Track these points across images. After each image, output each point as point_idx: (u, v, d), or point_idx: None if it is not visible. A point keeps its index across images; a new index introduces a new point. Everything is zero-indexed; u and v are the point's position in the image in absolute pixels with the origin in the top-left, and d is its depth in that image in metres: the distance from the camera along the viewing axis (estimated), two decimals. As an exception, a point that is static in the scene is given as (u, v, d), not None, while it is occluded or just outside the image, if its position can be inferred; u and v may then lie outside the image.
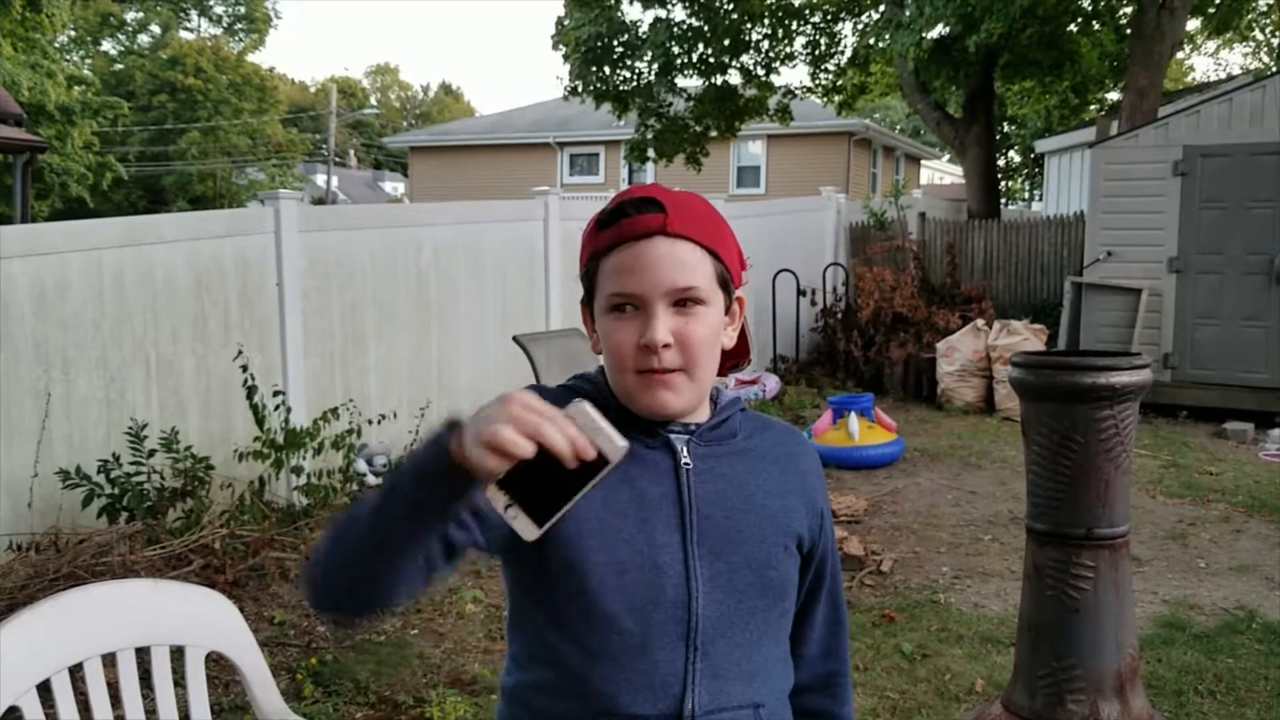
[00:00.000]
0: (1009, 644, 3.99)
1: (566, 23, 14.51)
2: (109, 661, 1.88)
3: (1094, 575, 2.69)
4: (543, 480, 1.00)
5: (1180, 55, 25.13)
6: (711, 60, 14.76)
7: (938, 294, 10.76)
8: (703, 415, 1.28)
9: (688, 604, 1.19)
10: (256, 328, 5.62)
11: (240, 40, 42.29)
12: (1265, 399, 8.37)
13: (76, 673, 1.83)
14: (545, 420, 0.98)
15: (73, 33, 35.97)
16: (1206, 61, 70.52)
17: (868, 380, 9.84)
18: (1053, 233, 11.71)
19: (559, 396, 1.26)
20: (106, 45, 40.46)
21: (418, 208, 12.71)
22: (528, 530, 1.02)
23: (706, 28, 14.30)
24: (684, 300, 1.20)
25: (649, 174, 24.20)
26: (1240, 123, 8.54)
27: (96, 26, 38.87)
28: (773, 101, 15.72)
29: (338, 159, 42.63)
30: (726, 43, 14.55)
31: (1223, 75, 27.35)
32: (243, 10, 42.09)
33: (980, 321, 9.35)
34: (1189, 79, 29.36)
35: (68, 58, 32.96)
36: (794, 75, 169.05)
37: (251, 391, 4.96)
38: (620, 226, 1.21)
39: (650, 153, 15.82)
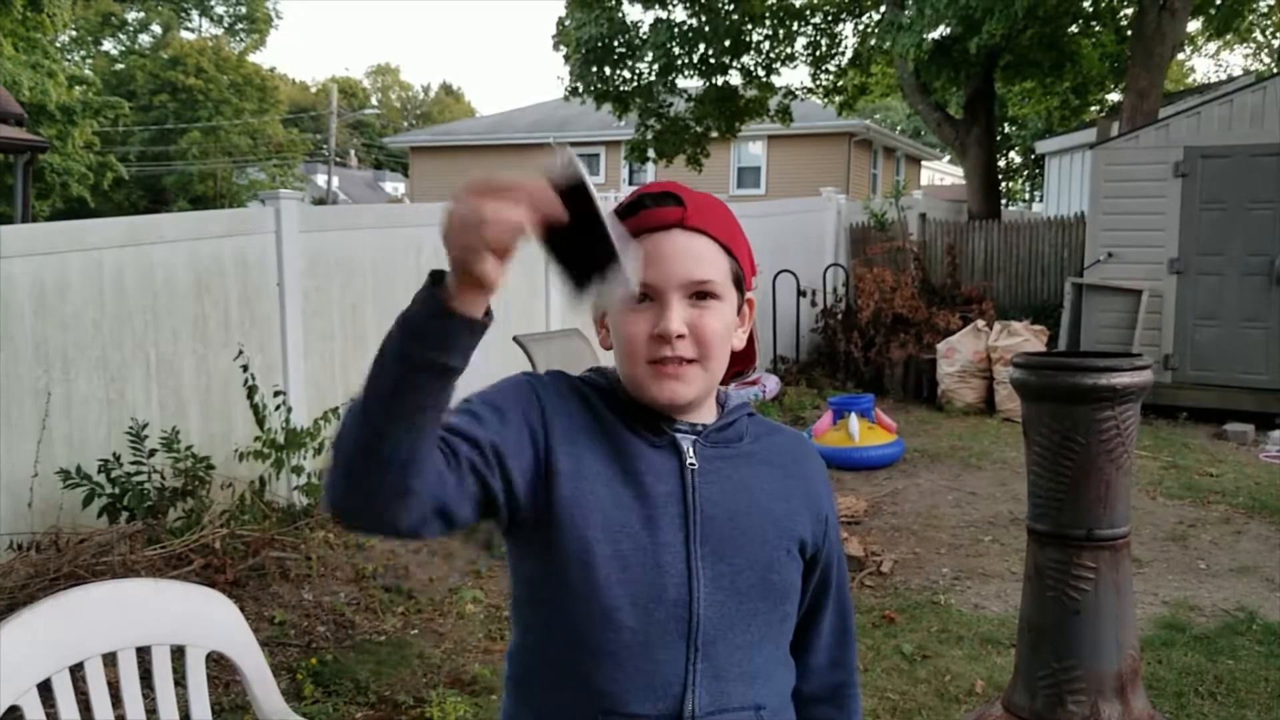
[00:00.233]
0: (1009, 645, 3.99)
1: (567, 23, 14.51)
2: (109, 661, 1.88)
3: (1095, 576, 2.69)
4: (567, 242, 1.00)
5: (1181, 57, 25.13)
6: (712, 61, 14.76)
7: (938, 295, 10.76)
8: (710, 416, 1.28)
9: (689, 604, 1.19)
10: (257, 328, 5.62)
11: (241, 40, 42.31)
12: (1265, 400, 8.37)
13: (77, 672, 1.83)
14: (508, 205, 0.97)
15: (74, 32, 35.98)
16: (1207, 63, 70.53)
17: (868, 381, 9.84)
18: (1053, 234, 11.70)
19: (570, 386, 1.27)
20: (107, 45, 40.50)
21: (418, 208, 12.70)
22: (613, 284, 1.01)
23: (707, 28, 14.30)
24: (699, 293, 1.20)
25: (649, 174, 24.21)
26: (1241, 124, 8.54)
27: (97, 26, 38.89)
28: (773, 102, 15.72)
29: (338, 159, 42.64)
30: (727, 43, 14.55)
31: (1223, 77, 27.38)
32: (244, 10, 42.10)
33: (981, 322, 9.35)
34: (1189, 80, 29.37)
35: (69, 57, 32.98)
36: (794, 76, 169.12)
37: (252, 391, 4.96)
38: (638, 218, 1.22)
39: (650, 153, 15.82)
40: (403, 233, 6.79)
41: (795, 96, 16.19)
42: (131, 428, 4.59)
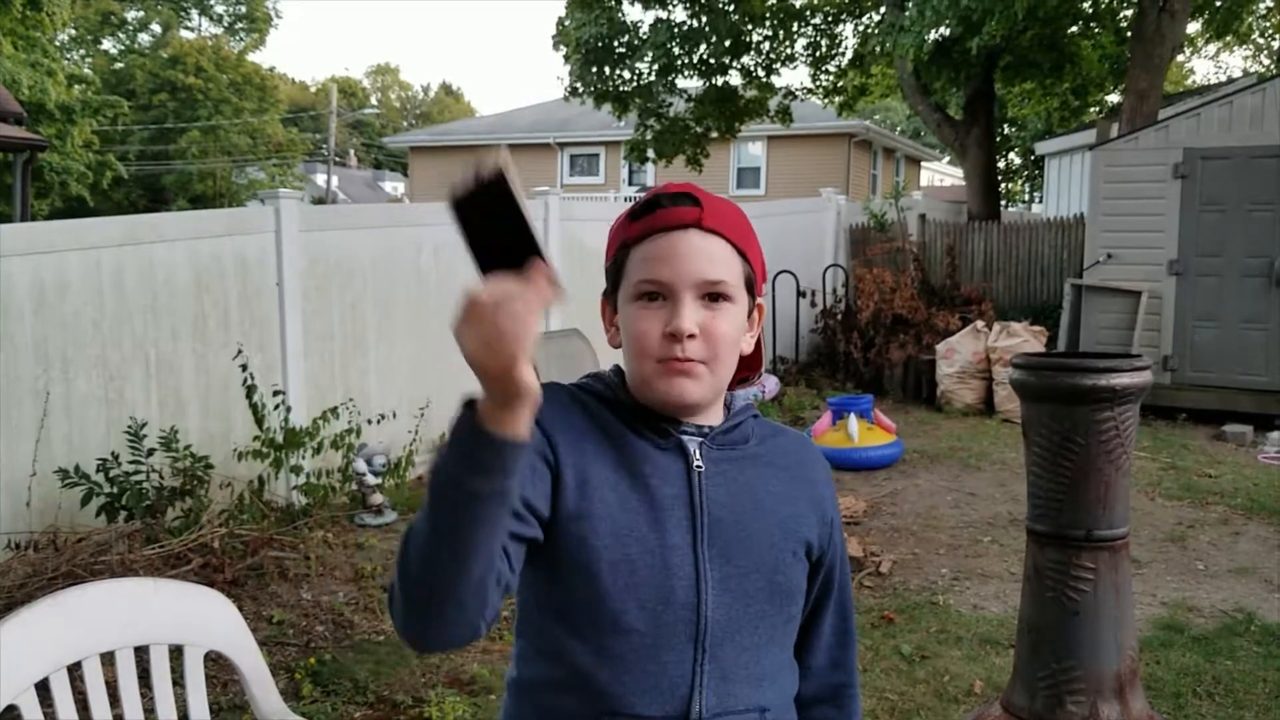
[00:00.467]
0: (1008, 645, 3.99)
1: (567, 23, 14.51)
2: (107, 660, 1.88)
3: (1094, 577, 2.69)
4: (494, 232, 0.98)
5: (1180, 58, 25.14)
6: (712, 61, 14.76)
7: (937, 295, 10.76)
8: (716, 418, 1.28)
9: (697, 606, 1.19)
10: (256, 327, 5.62)
11: (241, 40, 42.30)
12: (1264, 401, 8.37)
13: (75, 672, 1.82)
14: (520, 308, 0.94)
15: (73, 31, 35.96)
16: (1206, 65, 70.57)
17: (867, 381, 9.84)
18: (1053, 235, 11.70)
19: (569, 396, 1.26)
20: (107, 44, 40.49)
21: (418, 207, 12.70)
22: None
23: (707, 28, 14.30)
24: (712, 294, 1.20)
25: (649, 175, 24.22)
26: (1240, 125, 8.55)
27: (97, 25, 38.88)
28: (773, 103, 15.73)
29: (338, 159, 42.64)
30: (727, 44, 14.55)
31: (1223, 78, 27.39)
32: (243, 10, 42.09)
33: (980, 323, 9.35)
34: (1189, 82, 29.38)
35: (68, 56, 32.96)
36: (795, 76, 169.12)
37: (251, 391, 4.96)
38: (655, 216, 1.22)
39: (650, 153, 15.82)
40: (402, 232, 6.79)
41: (795, 97, 16.20)
42: (130, 427, 4.59)
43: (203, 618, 2.01)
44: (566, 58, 14.71)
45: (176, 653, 1.97)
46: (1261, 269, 8.52)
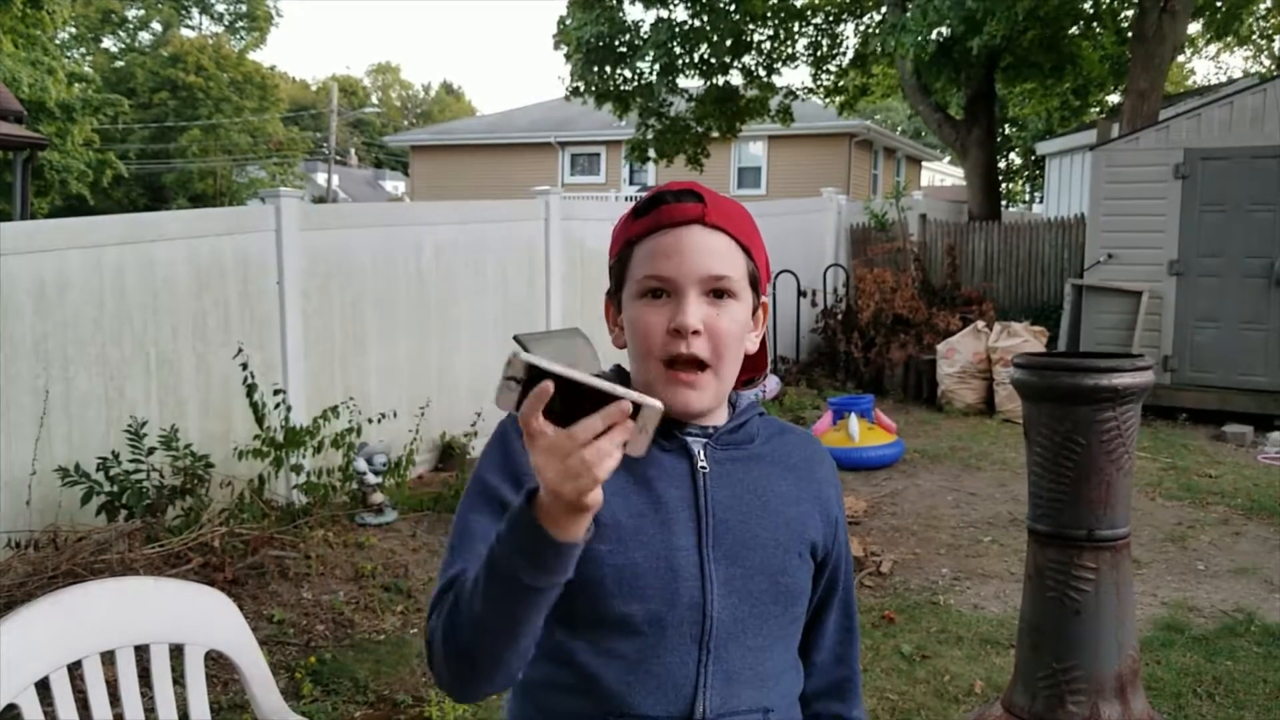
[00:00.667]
0: (1008, 645, 3.99)
1: (568, 22, 14.49)
2: (108, 659, 1.88)
3: (1095, 577, 2.69)
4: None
5: (1181, 59, 25.13)
6: (713, 61, 14.75)
7: (938, 295, 10.76)
8: (720, 418, 1.27)
9: (703, 607, 1.19)
10: (257, 326, 5.61)
11: (241, 38, 42.27)
12: (1265, 402, 8.37)
13: (75, 670, 1.82)
14: (597, 452, 0.94)
15: (73, 30, 35.94)
16: (1207, 65, 70.57)
17: (868, 381, 9.84)
18: (1053, 235, 11.70)
19: None
20: (107, 42, 40.48)
21: (418, 207, 12.71)
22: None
23: (708, 28, 14.29)
24: (716, 290, 1.20)
25: (650, 174, 24.21)
26: (1241, 126, 8.54)
27: (97, 23, 38.87)
28: (774, 102, 15.71)
29: (338, 158, 42.64)
30: (728, 43, 14.54)
31: (1223, 79, 27.38)
32: (244, 8, 42.07)
33: (981, 323, 9.35)
34: (1190, 82, 29.38)
35: (68, 55, 32.93)
36: (796, 76, 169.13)
37: (251, 390, 4.96)
38: (659, 213, 1.21)
39: (651, 153, 15.81)
40: (403, 232, 6.79)
41: (796, 97, 16.18)
42: (131, 426, 4.58)
43: (203, 617, 2.00)
44: (567, 57, 14.70)
45: (177, 652, 1.96)
46: (1262, 269, 8.51)
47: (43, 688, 1.78)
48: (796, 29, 15.15)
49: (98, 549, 4.18)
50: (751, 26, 14.68)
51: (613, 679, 1.18)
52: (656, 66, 14.56)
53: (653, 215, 1.21)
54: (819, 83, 16.32)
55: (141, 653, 1.92)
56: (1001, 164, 24.18)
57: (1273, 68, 23.76)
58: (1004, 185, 26.45)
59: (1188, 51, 21.42)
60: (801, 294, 10.46)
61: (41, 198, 25.32)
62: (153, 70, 36.94)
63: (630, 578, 1.17)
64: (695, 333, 1.17)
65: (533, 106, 29.45)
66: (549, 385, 0.94)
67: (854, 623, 1.41)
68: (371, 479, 5.48)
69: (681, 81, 15.06)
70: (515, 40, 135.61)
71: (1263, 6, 16.03)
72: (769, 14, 14.54)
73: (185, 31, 41.05)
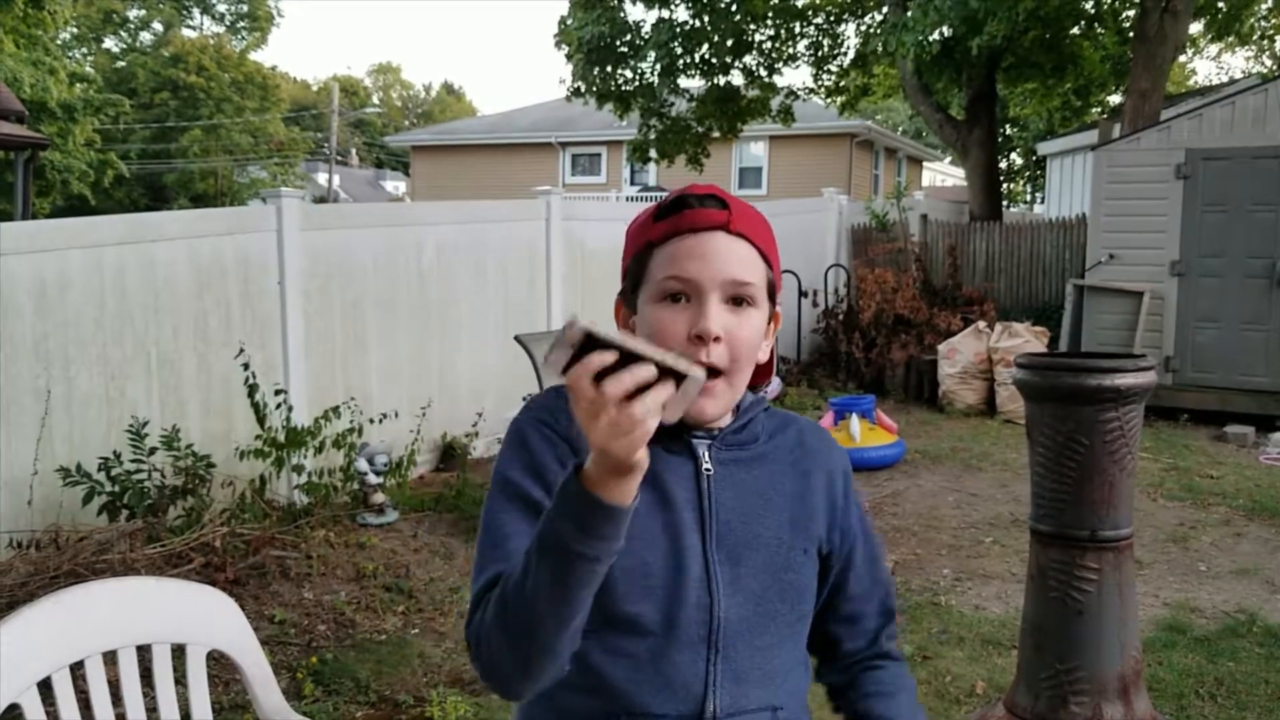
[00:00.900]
0: (1010, 646, 3.99)
1: (569, 22, 14.49)
2: (110, 659, 1.87)
3: (1098, 577, 2.69)
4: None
5: (1182, 59, 25.12)
6: (714, 61, 14.75)
7: (939, 296, 10.76)
8: (725, 419, 1.28)
9: (710, 607, 1.20)
10: (258, 326, 5.61)
11: (243, 38, 42.29)
12: (1266, 402, 8.36)
13: (77, 670, 1.82)
14: (649, 398, 0.94)
15: (75, 30, 35.97)
16: (1208, 65, 70.54)
17: (869, 382, 9.83)
18: (1054, 235, 11.69)
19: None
20: (109, 42, 40.51)
21: (419, 207, 12.71)
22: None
23: (709, 28, 14.29)
24: (737, 298, 1.19)
25: (651, 174, 24.21)
26: (1243, 126, 8.54)
27: (99, 24, 38.89)
28: (775, 102, 15.71)
29: (339, 158, 42.64)
30: (729, 43, 14.54)
31: (1225, 79, 27.36)
32: (245, 8, 42.09)
33: (982, 323, 9.34)
34: (1191, 82, 29.37)
35: (70, 55, 32.97)
36: (797, 76, 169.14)
37: (253, 390, 4.96)
38: (682, 216, 1.20)
39: (652, 153, 15.81)
40: (404, 232, 6.79)
41: (797, 97, 16.18)
42: (132, 426, 4.58)
43: (205, 617, 2.00)
44: (568, 57, 14.70)
45: (179, 652, 1.96)
46: (1263, 270, 8.51)
47: (45, 688, 1.77)
48: (797, 29, 15.14)
49: (99, 549, 4.18)
50: (752, 26, 14.68)
51: (623, 678, 1.19)
52: (657, 67, 14.55)
53: (676, 219, 1.20)
54: (820, 83, 16.32)
55: (143, 653, 1.91)
56: (1003, 164, 24.16)
57: (1274, 68, 23.76)
58: (1005, 185, 26.42)
59: (1189, 52, 21.43)
60: (803, 294, 10.46)
61: (43, 198, 25.33)
62: (154, 70, 36.96)
63: (640, 577, 1.18)
64: (716, 339, 1.17)
65: (534, 107, 29.45)
66: (608, 357, 0.94)
67: (888, 591, 1.42)
68: (373, 479, 5.48)
69: (682, 82, 15.07)
70: (516, 40, 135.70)
71: (1264, 6, 16.02)
72: (770, 14, 14.54)
73: (186, 32, 41.10)
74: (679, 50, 14.36)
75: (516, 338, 6.06)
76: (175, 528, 4.50)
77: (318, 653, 3.90)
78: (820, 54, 15.62)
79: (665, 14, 14.52)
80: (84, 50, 38.17)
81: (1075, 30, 14.14)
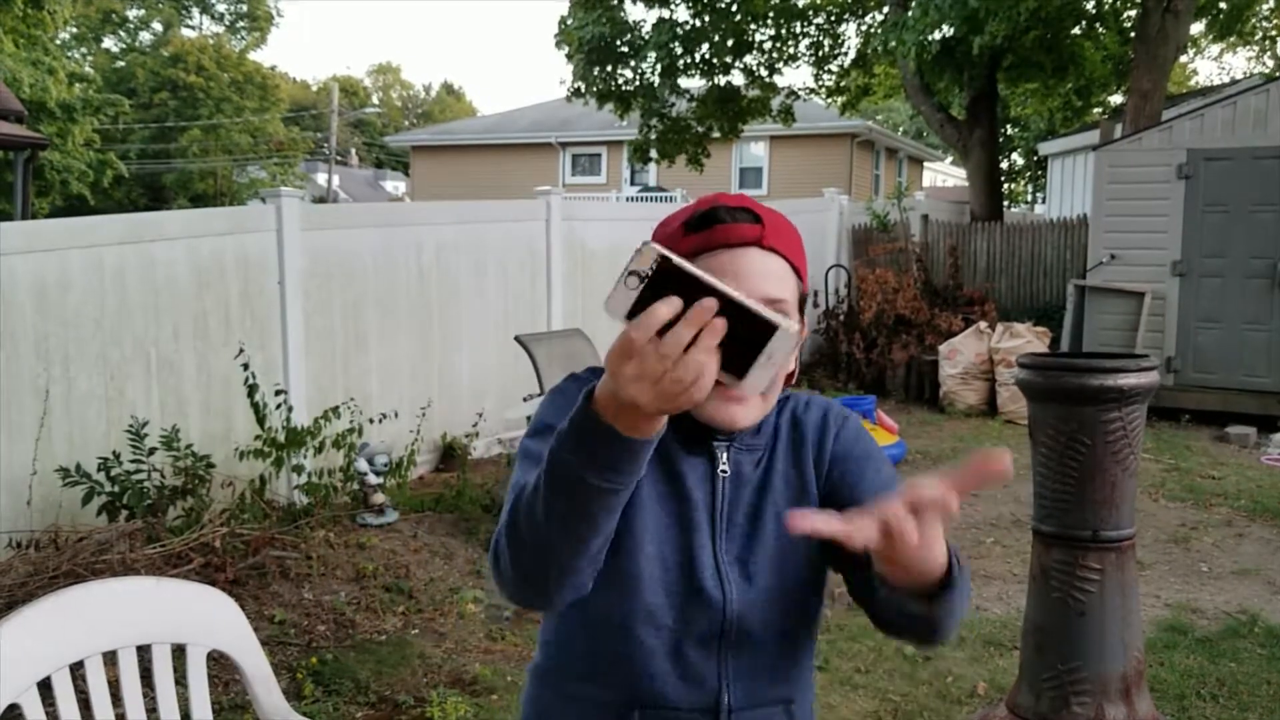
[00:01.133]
0: (1011, 647, 3.98)
1: (569, 22, 14.49)
2: (109, 660, 1.87)
3: (1100, 577, 2.68)
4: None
5: (1184, 59, 25.13)
6: (714, 61, 14.74)
7: (940, 296, 10.75)
8: None
9: (722, 606, 1.21)
10: (258, 326, 5.61)
11: (242, 38, 42.30)
12: (1267, 403, 8.36)
13: (77, 671, 1.81)
14: (701, 354, 0.87)
15: (74, 30, 35.97)
16: (1210, 65, 70.54)
17: (870, 382, 9.82)
18: (1056, 235, 11.69)
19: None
20: (108, 42, 40.51)
21: (419, 207, 12.71)
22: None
23: (710, 28, 14.29)
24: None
25: (651, 174, 24.21)
26: (1244, 126, 8.53)
27: (98, 24, 38.88)
28: (775, 102, 15.70)
29: (339, 158, 42.64)
30: (730, 43, 14.53)
31: (1226, 79, 27.36)
32: (245, 8, 42.09)
33: (983, 324, 9.34)
34: (1192, 82, 29.36)
35: (69, 55, 32.95)
36: (797, 76, 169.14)
37: (252, 390, 4.95)
38: (714, 231, 1.17)
39: (653, 153, 15.81)
40: (404, 232, 6.78)
41: (798, 97, 16.18)
42: (131, 426, 4.57)
43: (205, 617, 2.00)
44: (569, 57, 14.70)
45: (179, 652, 1.95)
46: (1265, 270, 8.50)
47: (44, 688, 1.77)
48: (798, 29, 15.14)
49: (99, 549, 4.17)
50: (753, 26, 14.68)
51: (640, 671, 1.21)
52: (658, 67, 14.55)
53: (707, 233, 1.17)
54: (821, 83, 16.32)
55: (143, 653, 1.91)
56: (1004, 164, 24.17)
57: (1276, 68, 23.76)
58: (1006, 186, 26.44)
59: (1191, 52, 21.43)
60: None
61: (42, 198, 25.33)
62: (153, 70, 36.96)
63: (660, 569, 1.20)
64: None
65: (534, 107, 29.44)
66: (676, 304, 0.82)
67: (894, 479, 1.36)
68: (373, 479, 5.47)
69: (683, 82, 15.06)
70: (516, 40, 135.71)
71: (1265, 7, 16.02)
72: (771, 14, 14.54)
73: (186, 32, 41.10)
74: (679, 50, 14.36)
75: (517, 338, 6.05)
76: (175, 528, 4.50)
77: (318, 653, 3.89)
78: (821, 54, 15.62)
79: (666, 14, 14.52)
80: (83, 50, 38.17)
81: (1076, 30, 14.13)
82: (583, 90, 15.01)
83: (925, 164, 32.46)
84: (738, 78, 15.26)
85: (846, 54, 15.73)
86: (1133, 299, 8.93)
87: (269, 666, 2.06)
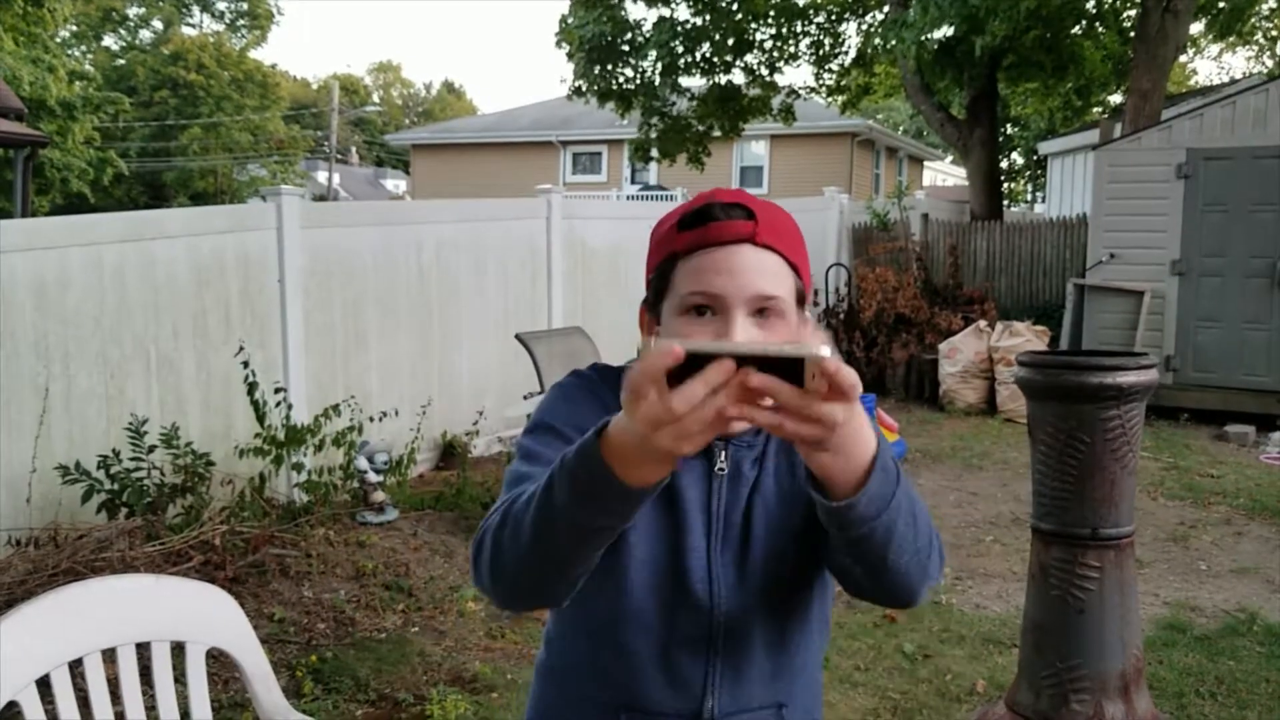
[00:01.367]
0: (1010, 645, 3.99)
1: (570, 21, 14.49)
2: (109, 657, 1.87)
3: (1099, 575, 2.69)
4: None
5: (1183, 59, 25.13)
6: (715, 60, 14.74)
7: (940, 295, 10.76)
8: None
9: (710, 608, 1.20)
10: (258, 324, 5.61)
11: (242, 36, 42.29)
12: (1267, 402, 8.36)
13: (76, 668, 1.81)
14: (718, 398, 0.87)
15: (74, 28, 35.97)
16: (1209, 65, 70.54)
17: (870, 381, 9.82)
18: (1055, 235, 11.70)
19: (615, 393, 1.24)
20: (108, 40, 40.51)
21: (419, 205, 12.71)
22: None
23: (710, 27, 14.29)
24: (764, 310, 1.15)
25: (652, 173, 24.20)
26: (1244, 126, 8.53)
27: (98, 22, 38.88)
28: (776, 101, 15.70)
29: (340, 156, 42.62)
30: (730, 42, 14.53)
31: (1226, 79, 27.35)
32: (245, 6, 42.08)
33: (983, 323, 9.34)
34: (1192, 82, 29.36)
35: (69, 53, 32.95)
36: (798, 75, 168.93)
37: (252, 388, 4.95)
38: (707, 229, 1.16)
39: (654, 152, 15.81)
40: (404, 230, 6.78)
41: (798, 96, 16.17)
42: (131, 424, 4.58)
43: (204, 615, 2.00)
44: (569, 56, 14.69)
45: (178, 650, 1.95)
46: (1264, 269, 8.51)
47: (43, 685, 1.77)
48: (799, 28, 15.13)
49: (98, 547, 4.18)
50: (753, 25, 14.68)
51: (627, 674, 1.21)
52: (658, 65, 14.55)
53: (701, 230, 1.16)
54: (821, 82, 16.31)
55: (142, 650, 1.91)
56: (1004, 164, 24.17)
57: (1275, 68, 23.75)
58: (1006, 185, 26.44)
59: (1190, 51, 21.42)
60: (803, 293, 10.45)
61: (42, 196, 25.32)
62: (154, 68, 36.95)
63: (650, 572, 1.19)
64: None
65: (534, 105, 29.43)
66: (728, 365, 0.85)
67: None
68: (373, 477, 5.48)
69: (684, 80, 15.06)
70: (517, 39, 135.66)
71: (1266, 7, 16.02)
72: (771, 13, 14.53)
73: (186, 30, 41.10)
74: (680, 49, 14.36)
75: (517, 336, 6.06)
76: (174, 526, 4.50)
77: (317, 651, 3.90)
78: (821, 53, 15.61)
79: (666, 12, 14.52)
80: (83, 48, 38.17)
81: (1076, 30, 14.12)
82: (583, 89, 15.01)
83: (925, 163, 32.46)
84: (738, 77, 15.26)
85: (847, 53, 15.73)
86: (1132, 298, 8.93)
87: (268, 664, 2.06)
